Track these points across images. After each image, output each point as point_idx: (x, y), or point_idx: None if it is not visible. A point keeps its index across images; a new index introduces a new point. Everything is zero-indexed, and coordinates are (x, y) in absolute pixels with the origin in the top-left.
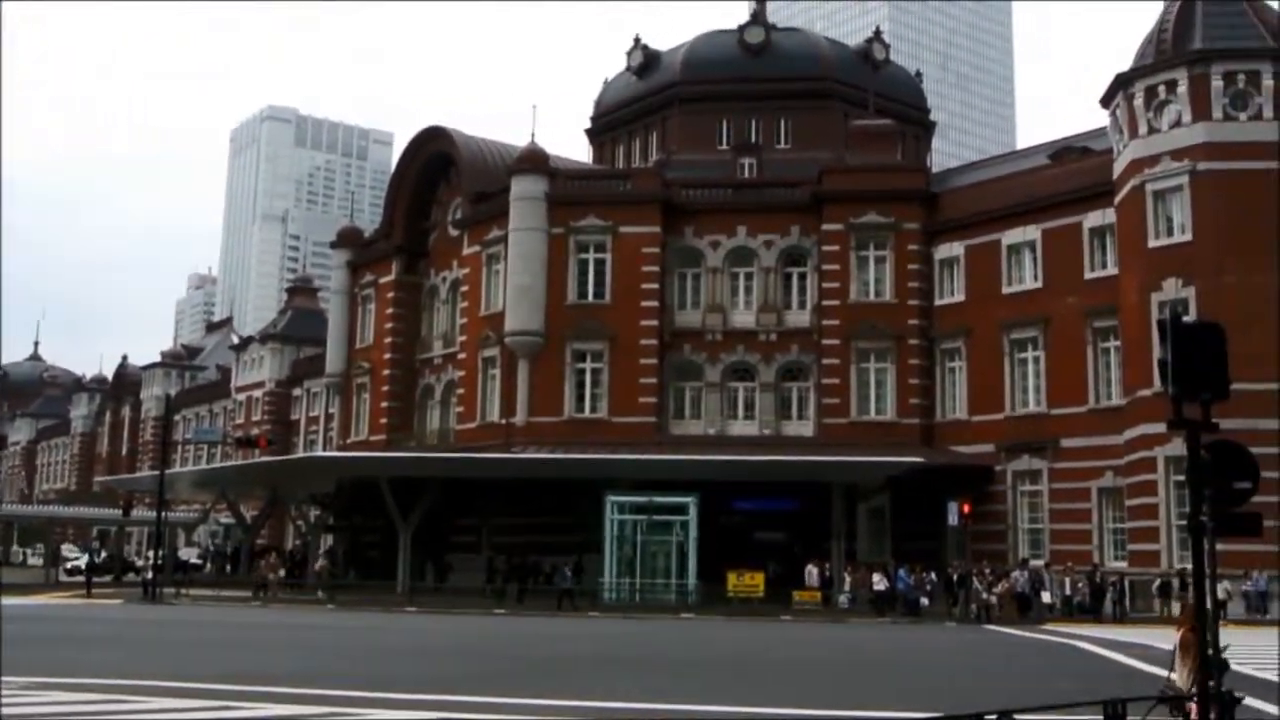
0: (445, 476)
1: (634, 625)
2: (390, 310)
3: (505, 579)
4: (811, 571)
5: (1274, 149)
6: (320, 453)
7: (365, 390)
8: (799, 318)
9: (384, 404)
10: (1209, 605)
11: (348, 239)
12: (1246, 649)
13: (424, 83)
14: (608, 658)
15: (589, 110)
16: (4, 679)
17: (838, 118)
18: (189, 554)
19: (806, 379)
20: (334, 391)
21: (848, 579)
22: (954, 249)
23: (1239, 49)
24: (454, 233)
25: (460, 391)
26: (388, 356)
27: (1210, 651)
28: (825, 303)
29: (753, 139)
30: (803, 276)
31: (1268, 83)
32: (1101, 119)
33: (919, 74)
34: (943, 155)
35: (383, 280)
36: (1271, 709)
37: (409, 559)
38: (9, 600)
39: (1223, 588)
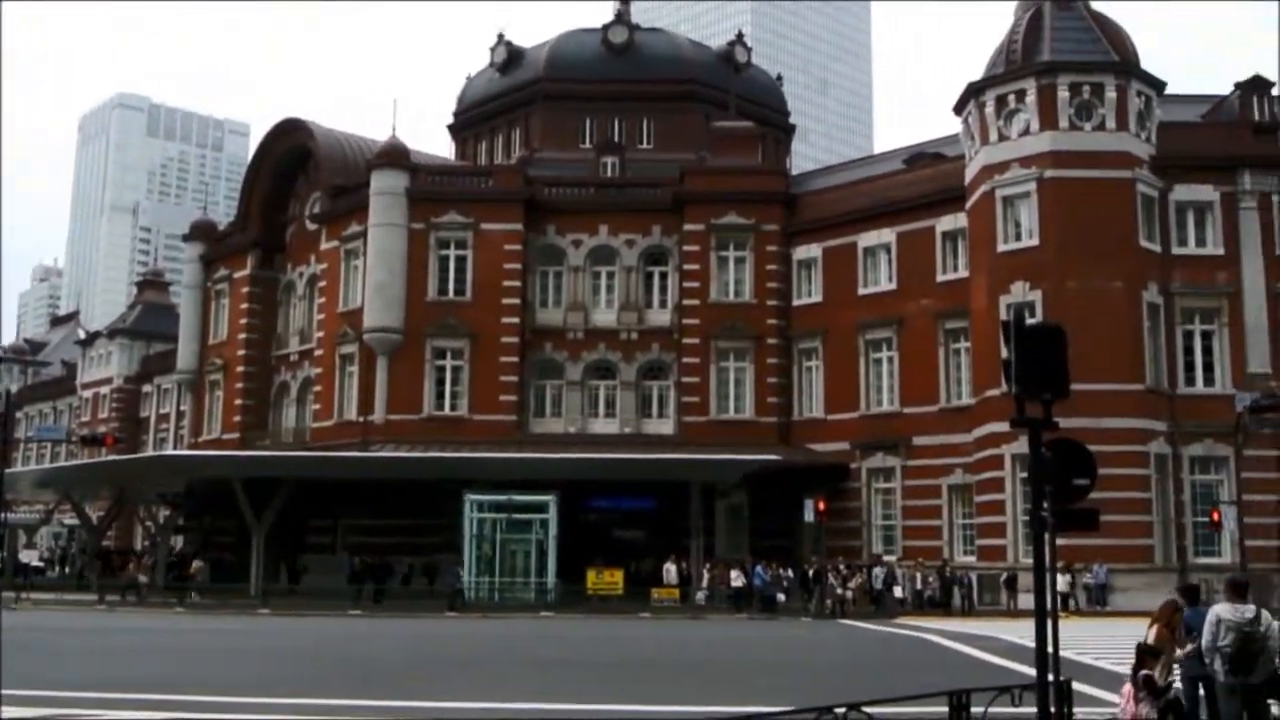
0: (300, 476)
1: (491, 625)
2: (245, 305)
3: (361, 580)
4: (670, 569)
5: (1116, 158)
6: (170, 451)
7: (218, 387)
8: (660, 317)
9: (238, 401)
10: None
11: (201, 232)
12: (1087, 639)
13: (283, 74)
14: (464, 658)
15: (452, 106)
16: None
17: (700, 119)
18: (30, 556)
19: (667, 377)
20: (186, 388)
21: (706, 576)
22: (812, 250)
23: (1084, 62)
24: (312, 227)
25: (317, 389)
26: (242, 353)
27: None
28: (686, 302)
29: (615, 138)
30: (664, 276)
31: (1111, 95)
32: (955, 126)
33: (780, 78)
34: (802, 158)
35: (237, 275)
36: (1108, 696)
37: (262, 560)
38: None
39: (1066, 580)
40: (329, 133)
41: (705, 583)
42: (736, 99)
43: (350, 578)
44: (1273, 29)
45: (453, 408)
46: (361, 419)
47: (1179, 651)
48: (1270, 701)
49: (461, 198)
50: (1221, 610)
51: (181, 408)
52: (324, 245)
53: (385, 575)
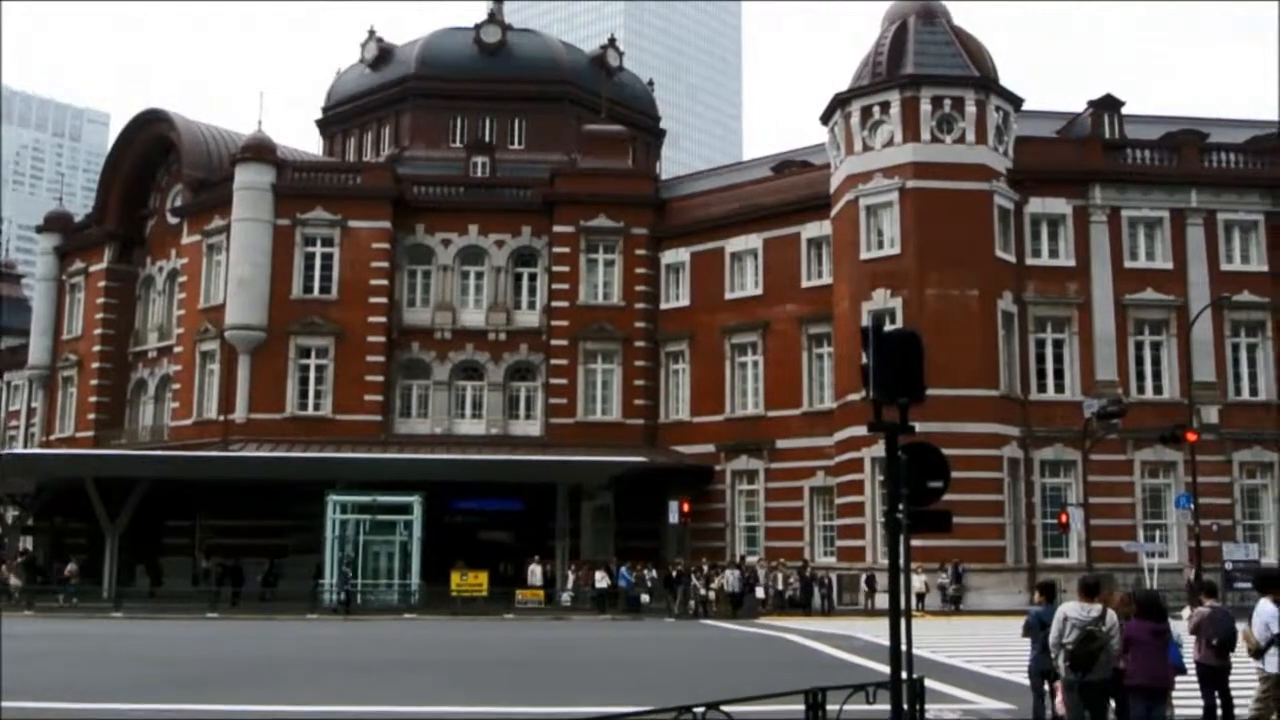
0: (157, 476)
1: (352, 627)
2: (101, 300)
3: (218, 581)
4: (535, 570)
5: (975, 170)
6: (20, 450)
7: (72, 384)
8: (528, 318)
9: (92, 399)
10: (903, 597)
11: (56, 223)
12: (940, 638)
13: (146, 64)
14: (322, 660)
15: (321, 101)
16: None
17: (571, 121)
18: None
19: (535, 379)
20: (37, 385)
21: (571, 577)
22: (680, 255)
23: (946, 76)
24: (173, 221)
25: (176, 387)
26: (97, 349)
27: (904, 644)
28: (555, 304)
29: (487, 138)
30: (533, 277)
31: (971, 109)
32: (822, 135)
33: (651, 82)
34: (672, 163)
35: (94, 268)
36: (960, 693)
37: (116, 562)
38: None
39: (923, 580)
40: (192, 124)
41: (570, 584)
42: (608, 102)
43: (201, 578)
44: (1127, 52)
45: (316, 407)
46: (222, 418)
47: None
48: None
49: (329, 194)
50: (1069, 608)
51: (33, 405)
52: (185, 240)
53: (241, 577)
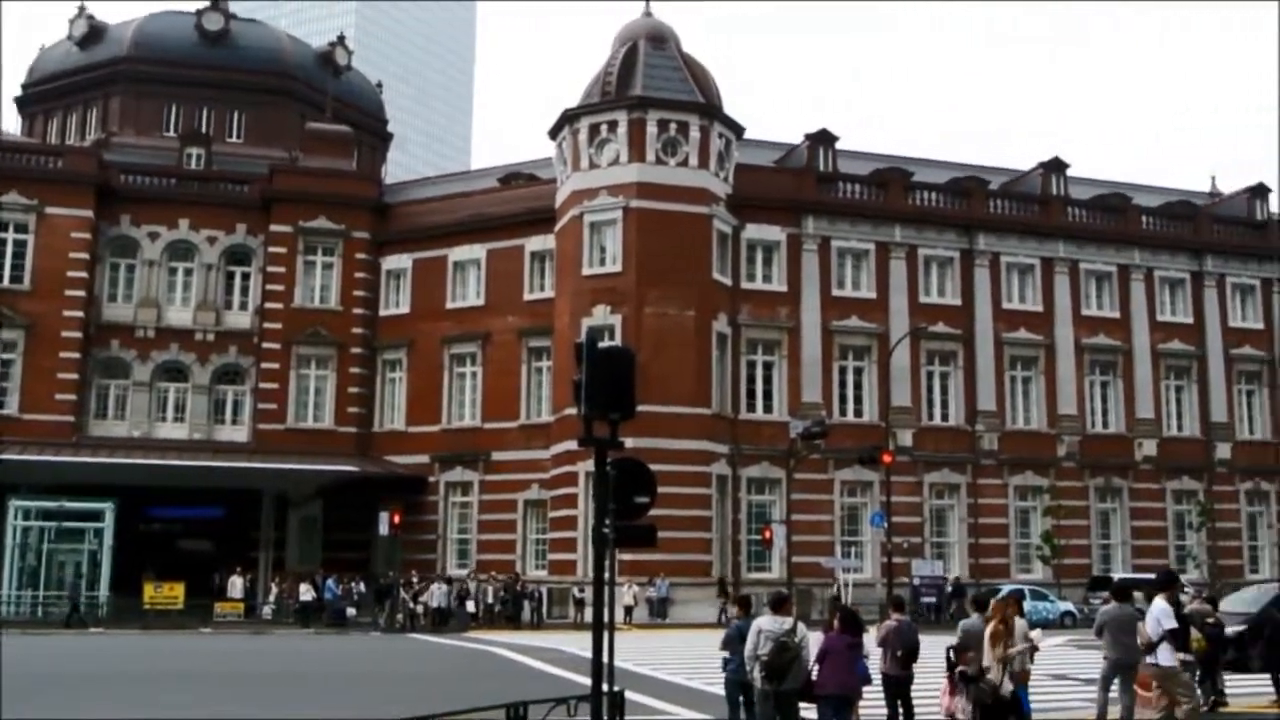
0: None
1: (21, 641)
2: None
3: None
4: (235, 582)
5: (696, 194)
6: None
7: None
8: (239, 319)
9: None
10: (607, 611)
11: None
12: (645, 650)
13: None
14: None
15: (21, 77)
16: None
17: (294, 118)
18: None
19: (243, 382)
20: None
21: (274, 589)
22: (402, 261)
23: (673, 100)
24: None
25: None
26: None
27: (605, 656)
28: (268, 305)
29: (203, 129)
30: (246, 276)
31: (695, 134)
32: (550, 149)
33: (380, 84)
34: (398, 167)
35: None
36: (661, 705)
37: None
38: None
39: (632, 593)
40: None
41: (273, 596)
42: (334, 101)
43: None
44: (844, 88)
45: (1, 405)
46: None
47: (1015, 648)
48: (802, 705)
49: (25, 177)
50: (763, 621)
51: None
52: None
53: None
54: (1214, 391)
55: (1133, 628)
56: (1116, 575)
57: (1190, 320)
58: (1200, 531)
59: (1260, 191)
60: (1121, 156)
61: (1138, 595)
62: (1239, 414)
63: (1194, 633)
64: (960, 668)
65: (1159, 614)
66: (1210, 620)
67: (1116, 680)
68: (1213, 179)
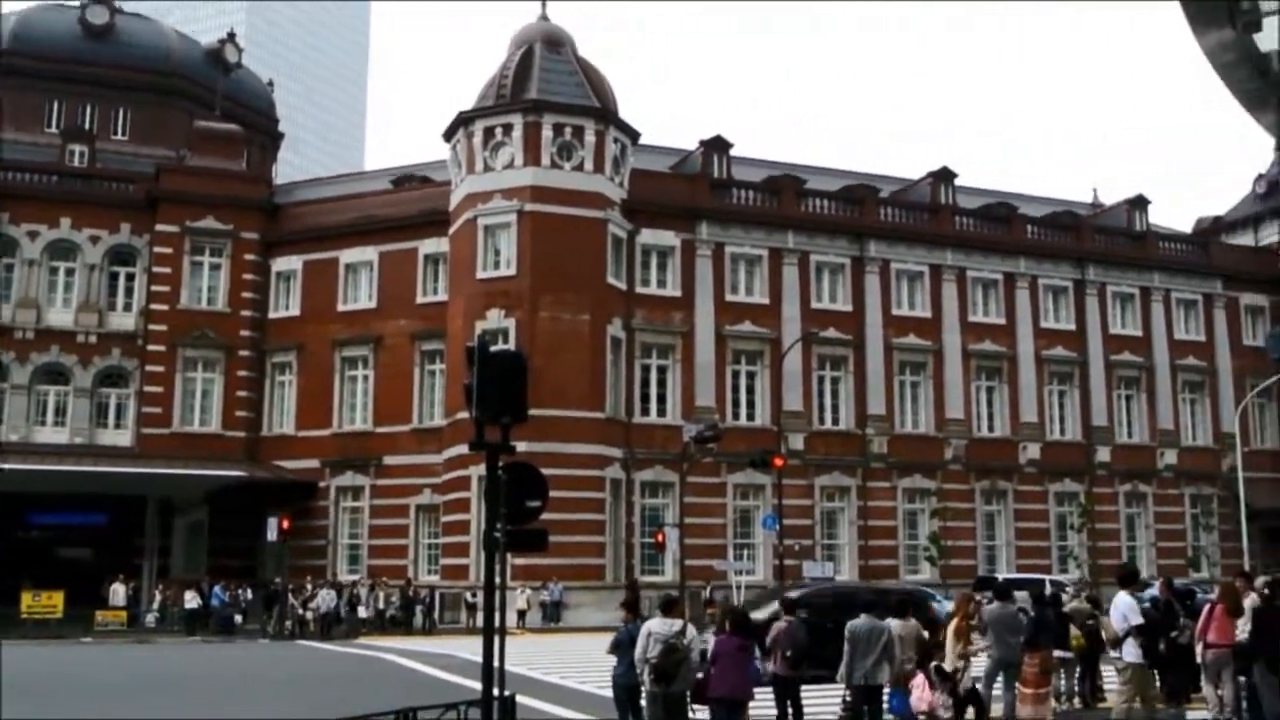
0: None
1: None
2: None
3: None
4: (117, 590)
5: (591, 198)
6: None
7: None
8: (124, 320)
9: None
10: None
11: None
12: (539, 654)
13: None
14: None
15: None
16: None
17: (182, 116)
18: None
19: (128, 385)
20: None
21: (158, 596)
22: (292, 263)
23: (569, 104)
24: None
25: None
26: None
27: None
28: (153, 307)
29: (87, 126)
30: (131, 277)
31: (590, 138)
32: (444, 151)
33: (271, 83)
34: (290, 167)
35: None
36: (552, 709)
37: None
38: None
39: (525, 597)
40: None
41: (156, 604)
42: (223, 100)
43: None
44: (739, 95)
45: None
46: None
47: (977, 642)
48: (695, 707)
49: None
50: (653, 624)
51: None
52: None
53: None
54: (1094, 396)
55: (1016, 626)
56: (1001, 576)
57: (1073, 327)
58: (1081, 532)
59: (1140, 203)
60: (1008, 167)
61: (1020, 595)
62: (1118, 418)
63: (1073, 630)
64: (935, 663)
65: (1124, 609)
66: (1090, 620)
67: (1000, 677)
68: (1094, 190)
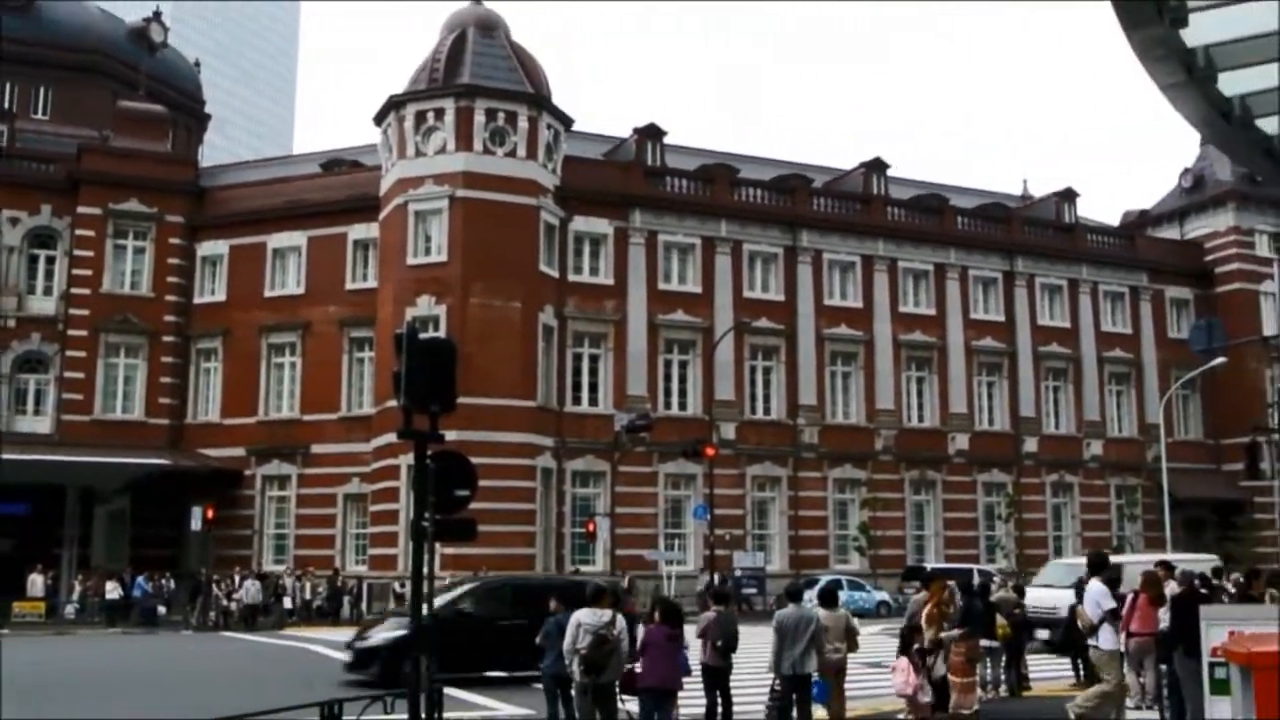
0: None
1: None
2: None
3: None
4: (35, 580)
5: (524, 185)
6: None
7: None
8: (44, 304)
9: None
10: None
11: None
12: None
13: None
14: None
15: None
16: None
17: (105, 96)
18: None
19: (47, 371)
20: None
21: (78, 587)
22: (219, 247)
23: (502, 89)
24: None
25: None
26: None
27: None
28: (75, 290)
29: (6, 104)
30: (51, 260)
31: (523, 124)
32: (375, 135)
33: (198, 63)
34: (217, 150)
35: None
36: (481, 699)
37: None
38: None
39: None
40: None
41: (77, 595)
42: (148, 79)
43: None
44: (673, 83)
45: None
46: None
47: (949, 631)
48: (625, 698)
49: None
50: (582, 615)
51: None
52: None
53: None
54: (1023, 387)
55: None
56: (929, 565)
57: (1002, 318)
58: (1008, 522)
59: (1069, 195)
60: (940, 158)
61: (950, 584)
62: (1045, 409)
63: (999, 619)
64: (916, 646)
65: (1097, 595)
66: (1017, 610)
67: None
68: (1024, 183)
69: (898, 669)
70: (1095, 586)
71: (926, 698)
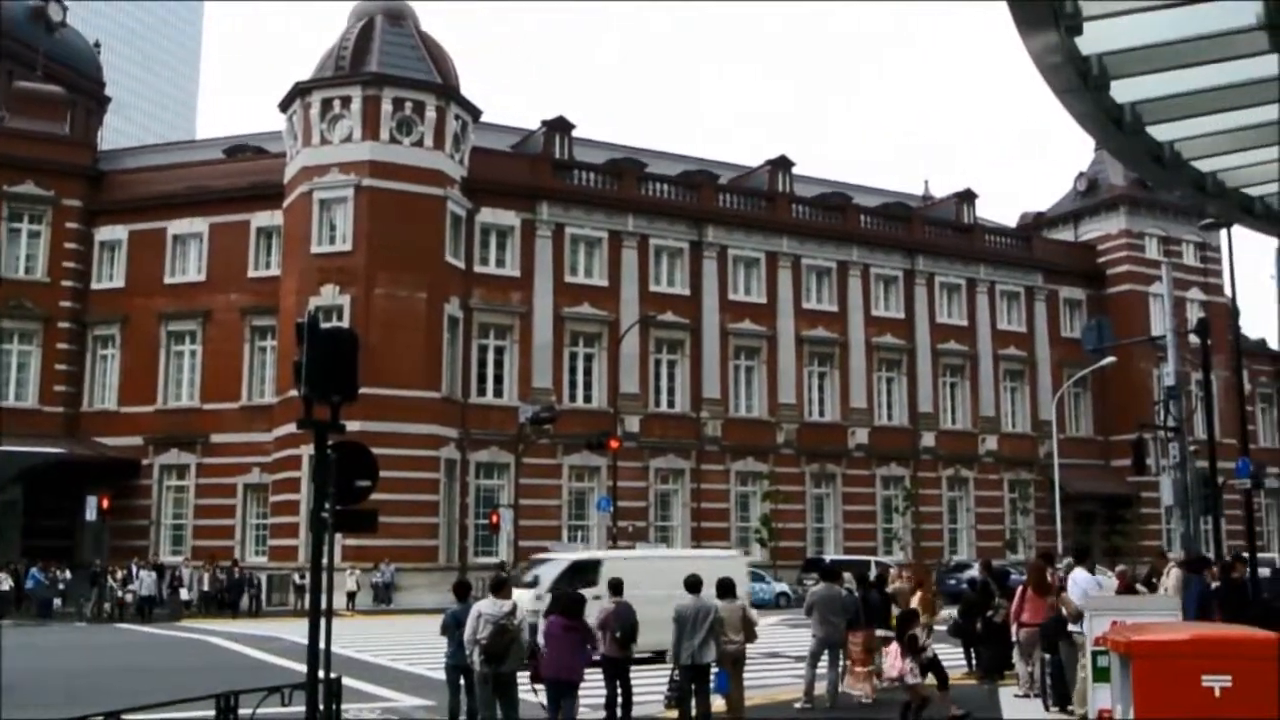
0: None
1: None
2: None
3: None
4: None
5: (430, 175)
6: None
7: None
8: None
9: None
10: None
11: None
12: (368, 636)
13: None
14: None
15: None
16: None
17: (1, 76)
18: None
19: None
20: None
21: None
22: (117, 232)
23: (410, 79)
24: None
25: None
26: None
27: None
28: None
29: None
30: None
31: (431, 114)
32: (280, 121)
33: (98, 44)
34: (118, 134)
35: None
36: (381, 691)
37: None
38: None
39: (355, 579)
40: None
41: None
42: (45, 60)
43: None
44: (581, 78)
45: None
46: None
47: (940, 613)
48: (536, 688)
49: None
50: (483, 605)
51: None
52: None
53: None
54: (921, 383)
55: (839, 607)
56: (828, 557)
57: (902, 316)
58: (905, 515)
59: (968, 197)
60: (843, 157)
61: (846, 576)
62: (943, 405)
63: (895, 610)
64: (911, 633)
65: (1083, 584)
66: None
67: (824, 656)
68: (926, 183)
69: (888, 653)
70: (1080, 576)
71: (915, 679)
